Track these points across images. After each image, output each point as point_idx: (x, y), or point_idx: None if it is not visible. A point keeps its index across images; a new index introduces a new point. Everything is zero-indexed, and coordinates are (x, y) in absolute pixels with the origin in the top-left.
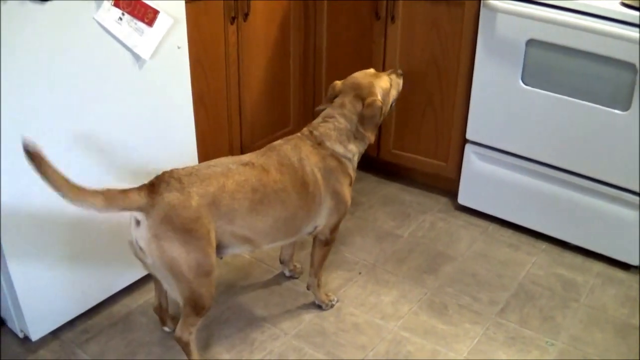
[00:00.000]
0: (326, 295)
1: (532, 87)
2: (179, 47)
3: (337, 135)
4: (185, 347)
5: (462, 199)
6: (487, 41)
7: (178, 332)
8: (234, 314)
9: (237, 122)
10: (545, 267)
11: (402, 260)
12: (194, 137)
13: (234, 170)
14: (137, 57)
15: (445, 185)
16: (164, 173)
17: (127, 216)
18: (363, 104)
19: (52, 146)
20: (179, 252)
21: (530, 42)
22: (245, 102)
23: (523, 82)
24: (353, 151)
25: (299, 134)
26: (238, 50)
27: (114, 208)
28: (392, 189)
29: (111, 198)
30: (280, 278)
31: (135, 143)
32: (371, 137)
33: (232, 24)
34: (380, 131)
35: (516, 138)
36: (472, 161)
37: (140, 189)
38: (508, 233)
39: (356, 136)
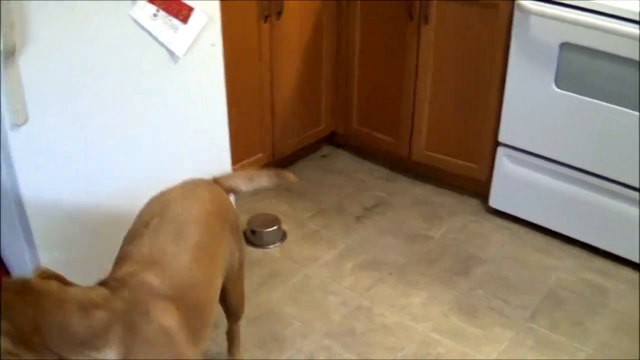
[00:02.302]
0: None
1: (566, 90)
2: (213, 45)
3: None
4: None
5: (493, 202)
6: (521, 43)
7: None
8: (264, 311)
9: (270, 121)
10: (575, 272)
11: (432, 262)
12: (227, 136)
13: None
14: (171, 53)
15: (476, 188)
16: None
17: None
18: None
19: (85, 141)
20: None
21: (564, 46)
22: (277, 101)
23: (556, 85)
24: None
25: None
26: (271, 49)
27: None
28: (423, 190)
29: None
30: (310, 276)
31: (168, 140)
32: None
33: (265, 22)
34: (411, 132)
35: (549, 142)
36: (504, 164)
37: None
38: (538, 237)
39: None
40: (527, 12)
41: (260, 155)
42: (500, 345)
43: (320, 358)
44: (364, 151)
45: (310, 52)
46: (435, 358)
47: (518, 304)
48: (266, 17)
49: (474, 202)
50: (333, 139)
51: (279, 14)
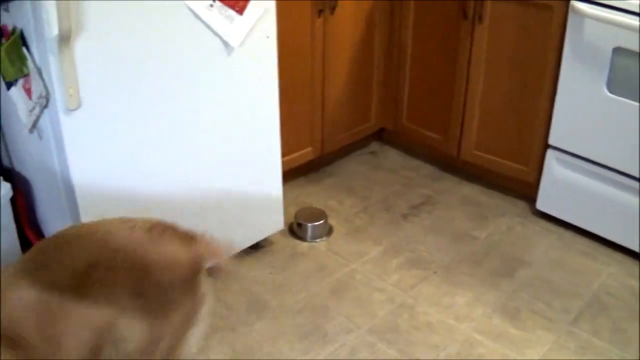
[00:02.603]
0: None
1: (618, 95)
2: (267, 37)
3: None
4: None
5: (540, 205)
6: (574, 46)
7: None
8: (308, 304)
9: (320, 116)
10: (619, 278)
11: (478, 262)
12: (277, 128)
13: None
14: (225, 44)
15: (523, 189)
16: None
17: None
18: None
19: (136, 128)
20: None
21: (617, 50)
22: (328, 96)
23: (608, 89)
24: None
25: None
26: (324, 43)
27: None
28: (471, 190)
29: None
30: (355, 272)
31: (218, 131)
32: None
33: (319, 17)
34: (461, 131)
35: (599, 146)
36: (553, 167)
37: None
38: (584, 241)
39: None
40: (582, 15)
41: (309, 149)
42: (542, 348)
43: (363, 354)
44: (412, 149)
45: (363, 48)
46: (477, 359)
47: (561, 307)
48: (320, 11)
49: (521, 204)
50: (382, 136)
51: (333, 9)
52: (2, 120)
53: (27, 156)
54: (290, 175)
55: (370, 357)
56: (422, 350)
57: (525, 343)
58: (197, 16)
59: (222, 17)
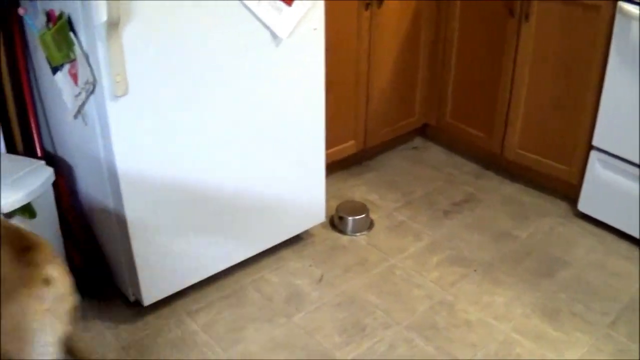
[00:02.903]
0: None
1: None
2: (315, 29)
3: None
4: None
5: (582, 206)
6: (621, 47)
7: None
8: (348, 298)
9: (364, 108)
10: None
11: (518, 262)
12: (323, 121)
13: None
14: (274, 35)
15: (566, 190)
16: None
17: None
18: None
19: (182, 117)
20: None
21: None
22: (373, 89)
23: None
24: None
25: None
26: (370, 37)
27: None
28: (512, 189)
29: None
30: (395, 267)
31: (264, 121)
32: None
33: (366, 10)
34: (505, 129)
35: None
36: (596, 168)
37: None
38: (625, 245)
39: None
40: (629, 17)
41: (351, 142)
42: (580, 350)
43: (401, 350)
44: (455, 145)
45: (408, 42)
46: (515, 359)
47: (600, 310)
48: (367, 4)
49: (563, 205)
50: (424, 131)
51: (381, 2)
52: (45, 106)
53: (70, 141)
54: (332, 168)
55: (408, 353)
56: (460, 349)
57: (564, 345)
58: (246, 6)
59: (271, 8)
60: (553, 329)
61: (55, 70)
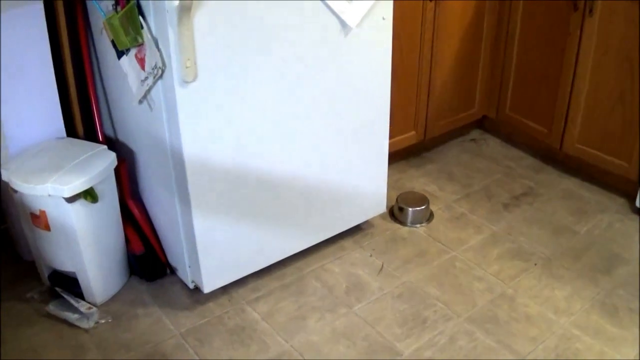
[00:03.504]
0: None
1: None
2: (383, 19)
3: None
4: None
5: None
6: None
7: None
8: (408, 289)
9: (425, 99)
10: None
11: (577, 257)
12: (388, 111)
13: None
14: (343, 24)
15: (624, 186)
16: None
17: (314, 179)
18: None
19: (250, 104)
20: None
21: None
22: (435, 80)
23: None
24: None
25: None
26: (434, 28)
27: None
28: (571, 184)
29: None
30: (456, 260)
31: (331, 110)
32: None
33: (430, 0)
34: (565, 123)
35: None
36: None
37: None
38: None
39: None
40: None
41: (412, 133)
42: (638, 347)
43: (461, 342)
44: (513, 138)
45: (471, 34)
46: (574, 353)
47: None
48: None
49: (621, 201)
50: (482, 124)
51: None
52: (107, 90)
53: (133, 126)
54: (391, 158)
55: (469, 345)
56: (521, 342)
57: (623, 341)
58: None
59: None
60: (612, 325)
61: (120, 54)
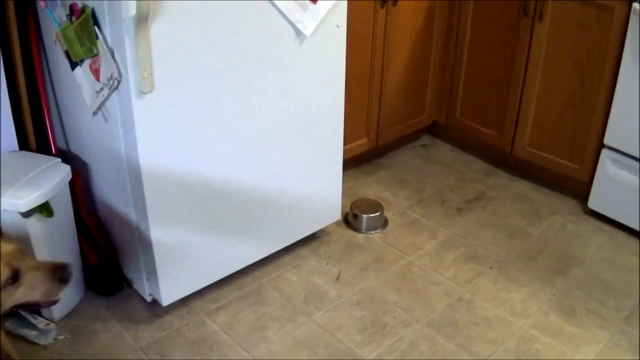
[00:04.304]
0: None
1: None
2: (337, 26)
3: None
4: None
5: (592, 204)
6: (634, 48)
7: None
8: (366, 296)
9: (377, 106)
10: None
11: (532, 259)
12: (342, 118)
13: None
14: (298, 32)
15: (576, 188)
16: None
17: (270, 189)
18: None
19: (206, 113)
20: None
21: None
22: (386, 86)
23: None
24: None
25: None
26: (385, 35)
27: None
28: (523, 187)
29: None
30: (412, 265)
31: (285, 118)
32: None
33: (382, 7)
34: (516, 127)
35: None
36: (607, 167)
37: None
38: (635, 242)
39: None
40: None
41: (364, 140)
42: (597, 345)
43: (422, 347)
44: (464, 143)
45: (421, 40)
46: (534, 354)
47: (614, 306)
48: (384, 2)
49: (573, 203)
50: (433, 129)
51: (396, 0)
52: (59, 101)
53: (87, 138)
54: (344, 165)
55: (430, 350)
56: (481, 345)
57: (581, 340)
58: (273, 4)
59: (296, 5)
60: (570, 325)
61: (74, 65)
